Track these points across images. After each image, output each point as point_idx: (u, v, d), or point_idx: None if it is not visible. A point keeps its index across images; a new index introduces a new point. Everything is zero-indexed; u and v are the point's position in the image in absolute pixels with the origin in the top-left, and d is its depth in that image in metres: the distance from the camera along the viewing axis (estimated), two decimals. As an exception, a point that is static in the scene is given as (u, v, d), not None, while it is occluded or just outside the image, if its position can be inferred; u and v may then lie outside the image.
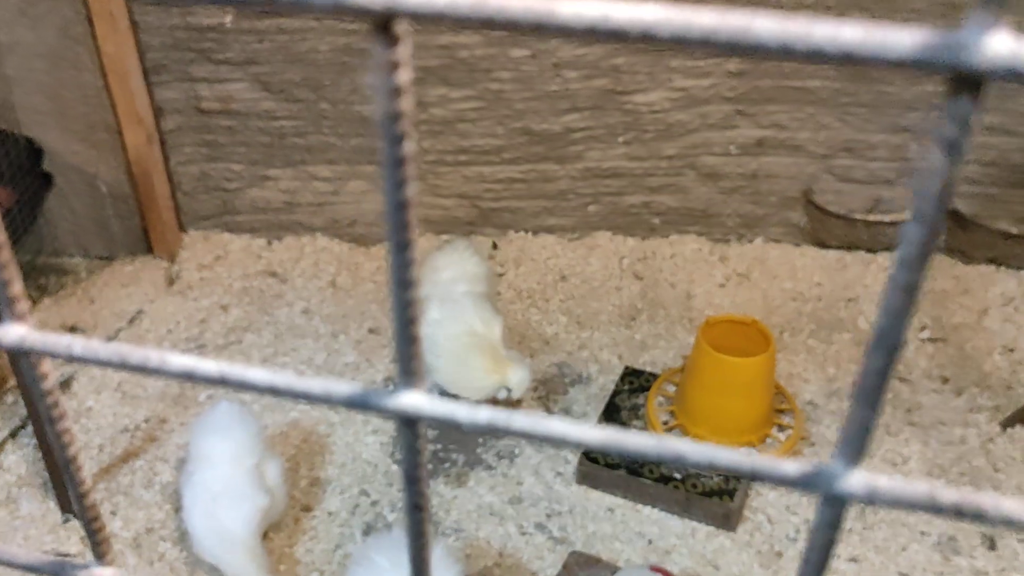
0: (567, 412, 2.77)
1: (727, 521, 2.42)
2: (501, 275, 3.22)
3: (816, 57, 0.25)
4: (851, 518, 2.44)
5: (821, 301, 3.13)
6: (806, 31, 0.25)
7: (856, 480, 0.31)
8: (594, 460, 2.54)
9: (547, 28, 0.27)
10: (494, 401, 2.63)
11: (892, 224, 3.12)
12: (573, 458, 2.60)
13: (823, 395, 2.80)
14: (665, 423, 2.63)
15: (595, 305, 3.12)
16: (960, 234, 3.10)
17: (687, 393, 2.60)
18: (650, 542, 2.41)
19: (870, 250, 3.21)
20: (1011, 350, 2.90)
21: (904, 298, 0.29)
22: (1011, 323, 2.97)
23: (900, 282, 0.29)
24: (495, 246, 3.32)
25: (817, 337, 3.00)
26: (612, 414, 2.69)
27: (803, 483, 0.32)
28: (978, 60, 0.25)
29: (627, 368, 2.85)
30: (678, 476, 2.50)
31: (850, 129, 3.03)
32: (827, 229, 3.21)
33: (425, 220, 3.32)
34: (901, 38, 0.25)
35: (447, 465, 2.62)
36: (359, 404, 0.36)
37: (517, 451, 2.65)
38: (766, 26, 0.25)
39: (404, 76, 0.30)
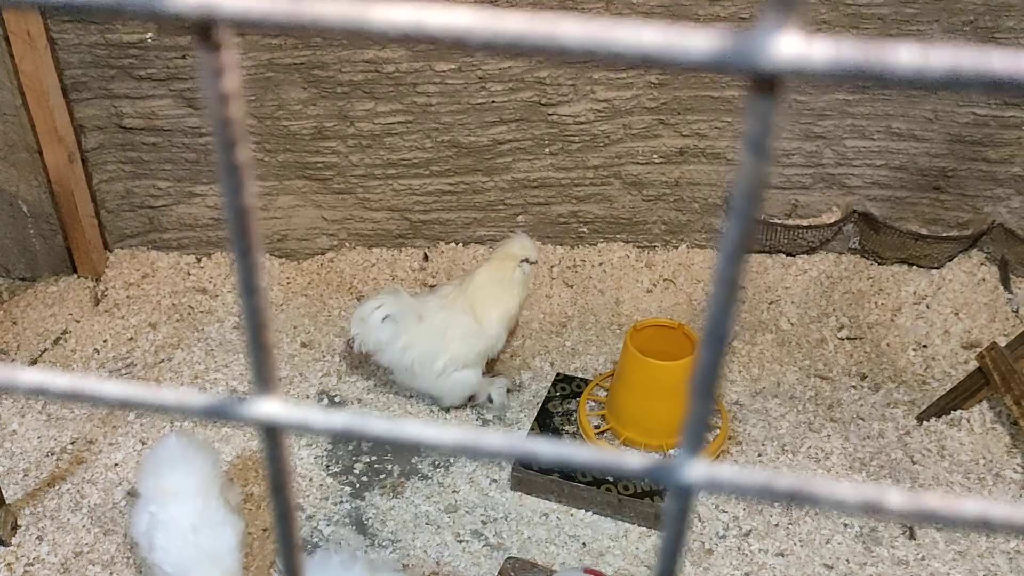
0: (500, 419, 2.81)
1: (658, 521, 2.48)
2: (432, 287, 3.25)
3: (618, 60, 0.26)
4: (776, 513, 2.52)
5: (744, 304, 3.22)
6: (608, 35, 0.26)
7: (698, 471, 0.32)
8: (528, 466, 2.58)
9: (361, 35, 0.27)
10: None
11: (809, 228, 3.23)
12: (507, 465, 2.63)
13: (748, 395, 2.89)
14: (597, 427, 2.68)
15: (526, 313, 3.16)
16: (873, 236, 3.23)
17: (616, 397, 2.65)
18: (584, 545, 2.45)
19: (789, 253, 3.32)
20: (924, 346, 3.03)
21: (727, 291, 0.30)
22: (923, 320, 3.10)
23: (723, 276, 0.30)
24: (426, 257, 3.34)
25: (741, 339, 3.09)
26: (545, 420, 2.73)
27: (650, 476, 0.32)
28: (770, 61, 0.25)
29: (559, 374, 2.90)
30: (610, 479, 2.55)
31: (767, 137, 3.13)
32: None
33: (356, 234, 3.33)
34: (698, 41, 0.26)
35: (382, 476, 2.63)
36: (216, 415, 0.34)
37: (452, 460, 2.67)
38: (571, 30, 0.26)
39: (231, 82, 0.29)
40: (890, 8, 2.79)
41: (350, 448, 2.71)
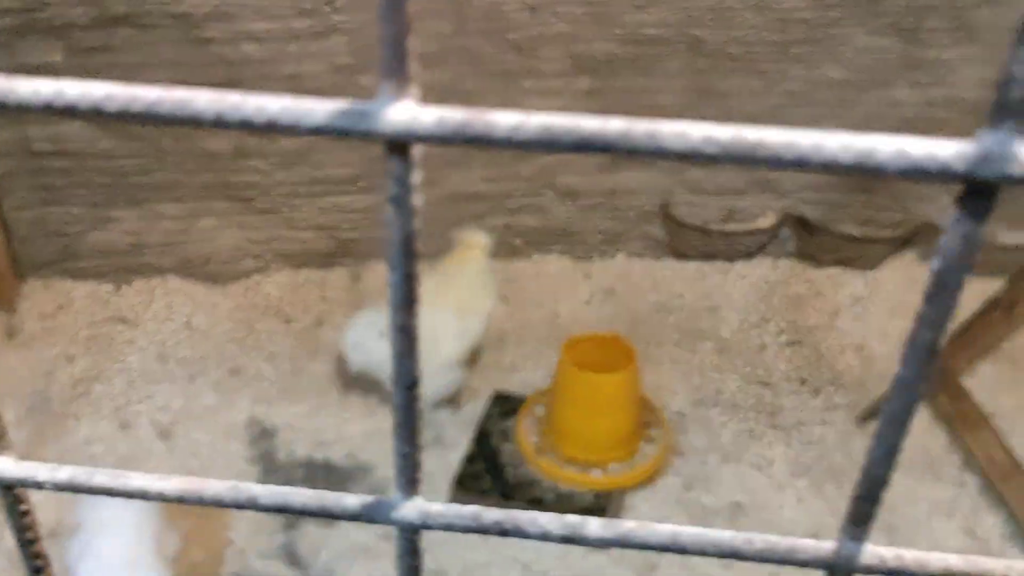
0: (439, 440, 2.73)
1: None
2: (365, 306, 3.17)
3: (247, 127, 0.28)
4: (720, 523, 2.48)
5: (684, 312, 3.19)
6: (239, 104, 0.29)
7: (410, 508, 0.35)
8: (466, 488, 2.51)
9: (6, 105, 0.29)
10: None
11: (746, 233, 3.22)
12: (445, 487, 2.56)
13: (690, 404, 2.85)
14: (536, 444, 2.62)
15: (462, 330, 3.09)
16: (808, 239, 3.23)
17: (555, 413, 2.59)
18: (526, 566, 2.39)
19: (727, 259, 3.30)
20: (862, 348, 3.03)
21: (404, 339, 0.33)
22: (860, 322, 3.10)
23: (396, 324, 0.33)
24: (357, 277, 3.26)
25: (682, 347, 3.05)
26: (483, 439, 2.67)
27: (366, 515, 0.35)
28: (386, 127, 0.29)
29: (497, 392, 2.83)
30: (550, 497, 2.50)
31: (699, 143, 3.12)
32: (685, 241, 3.29)
33: (283, 255, 3.23)
34: (319, 108, 0.29)
35: (315, 506, 2.54)
36: None
37: (388, 486, 2.59)
38: (203, 99, 0.29)
39: None
40: (814, 12, 2.79)
41: (282, 477, 2.62)
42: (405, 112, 0.29)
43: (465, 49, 2.86)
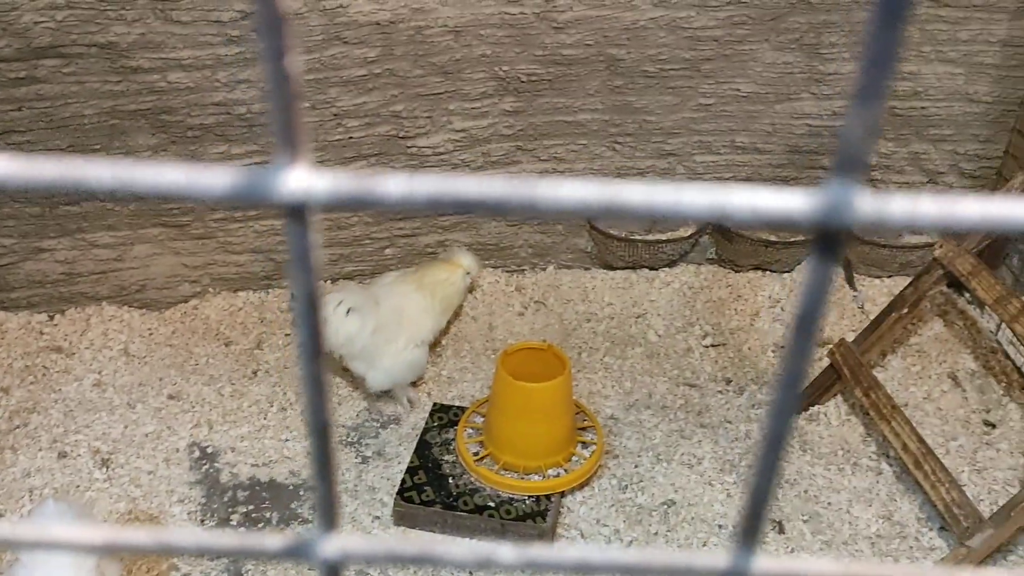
0: (380, 455, 2.79)
1: (542, 541, 2.51)
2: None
3: (143, 198, 0.30)
4: (655, 521, 2.59)
5: (613, 320, 3.31)
6: (132, 175, 0.29)
7: (333, 545, 0.35)
8: (409, 499, 2.57)
9: None
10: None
11: (668, 241, 3.35)
12: (389, 500, 2.61)
13: (622, 408, 2.96)
14: (475, 454, 2.70)
15: (400, 346, 3.15)
16: (728, 245, 3.37)
17: (493, 422, 2.67)
18: (471, 573, 2.45)
19: (652, 268, 3.43)
20: (782, 347, 3.18)
21: (316, 387, 0.34)
22: (779, 322, 3.26)
23: (306, 374, 0.34)
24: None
25: (612, 354, 3.16)
26: (424, 452, 2.73)
27: (288, 555, 0.35)
28: (281, 195, 0.30)
29: (436, 404, 2.90)
30: (492, 504, 2.57)
31: (621, 157, 3.24)
32: (611, 251, 3.41)
33: (220, 279, 3.25)
34: (218, 179, 0.30)
35: (261, 524, 2.57)
36: None
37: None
38: (101, 172, 0.29)
39: None
40: (723, 30, 2.94)
41: (225, 500, 2.64)
42: (300, 180, 0.30)
43: (392, 73, 2.94)
